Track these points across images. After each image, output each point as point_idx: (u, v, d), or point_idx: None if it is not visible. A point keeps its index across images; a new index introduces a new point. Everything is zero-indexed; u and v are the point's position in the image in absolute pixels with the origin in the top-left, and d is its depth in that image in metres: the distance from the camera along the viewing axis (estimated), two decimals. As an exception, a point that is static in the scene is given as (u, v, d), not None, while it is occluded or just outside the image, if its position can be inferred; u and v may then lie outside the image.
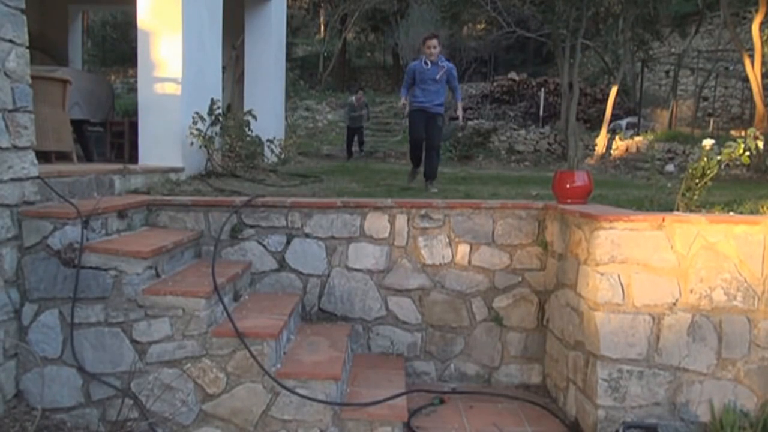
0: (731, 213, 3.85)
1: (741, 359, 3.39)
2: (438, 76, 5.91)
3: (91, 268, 3.25)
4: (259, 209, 4.21)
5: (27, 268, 3.27)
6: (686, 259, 3.35)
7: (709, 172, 3.79)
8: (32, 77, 3.52)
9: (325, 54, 21.39)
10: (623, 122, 14.76)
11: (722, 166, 3.85)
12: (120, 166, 4.67)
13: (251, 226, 4.21)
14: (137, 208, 4.02)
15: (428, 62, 5.94)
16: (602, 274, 3.35)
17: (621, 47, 14.87)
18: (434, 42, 5.95)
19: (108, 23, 21.87)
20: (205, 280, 3.46)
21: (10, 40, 3.30)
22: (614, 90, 13.55)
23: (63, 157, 5.09)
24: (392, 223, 4.22)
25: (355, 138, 14.53)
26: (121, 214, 3.80)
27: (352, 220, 4.21)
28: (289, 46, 15.23)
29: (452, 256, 4.22)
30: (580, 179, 4.16)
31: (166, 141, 5.36)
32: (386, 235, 4.22)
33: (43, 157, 4.18)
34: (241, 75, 9.02)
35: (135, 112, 5.64)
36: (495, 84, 19.01)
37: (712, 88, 15.55)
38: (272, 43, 8.46)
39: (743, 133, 4.01)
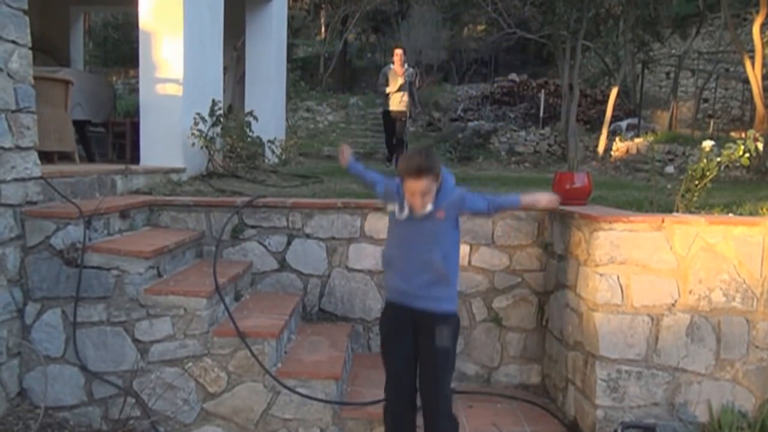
0: (730, 214, 3.86)
1: (739, 360, 3.40)
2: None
3: (93, 267, 3.27)
4: (260, 210, 4.23)
5: (30, 268, 3.29)
6: (685, 260, 3.37)
7: (708, 173, 3.81)
8: (34, 78, 3.55)
9: (326, 55, 21.40)
10: (623, 123, 14.74)
11: (722, 168, 3.87)
12: (122, 166, 4.69)
13: (252, 227, 4.23)
14: (139, 208, 4.04)
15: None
16: (601, 275, 3.37)
17: (621, 49, 14.87)
18: None
19: (109, 24, 21.88)
20: (207, 280, 3.48)
21: (13, 41, 3.32)
22: (614, 91, 13.53)
23: (65, 157, 5.11)
24: (393, 223, 4.23)
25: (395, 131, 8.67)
26: (123, 214, 3.82)
27: (352, 220, 4.23)
28: (290, 47, 15.20)
29: (452, 257, 4.23)
30: (580, 180, 4.17)
31: (167, 141, 5.37)
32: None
33: (45, 157, 4.20)
34: (242, 76, 9.03)
35: (136, 113, 5.66)
36: (495, 85, 19.00)
37: (713, 90, 15.54)
38: (273, 44, 8.48)
39: (743, 135, 4.02)
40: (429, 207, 2.66)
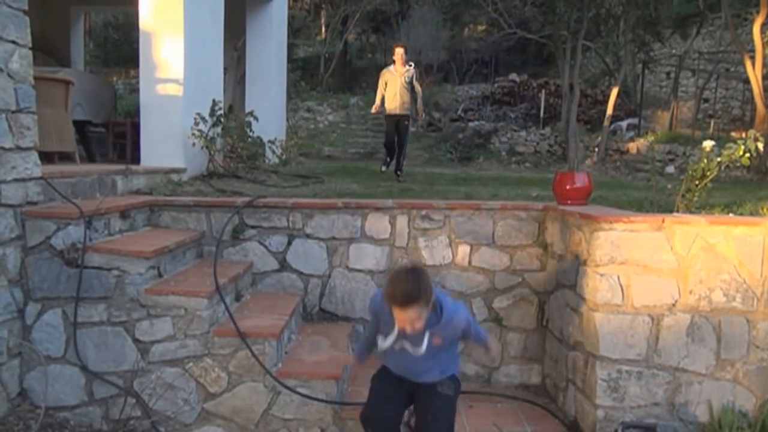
0: (731, 214, 3.86)
1: (740, 360, 3.40)
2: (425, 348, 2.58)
3: (93, 267, 3.27)
4: (261, 210, 4.23)
5: (30, 268, 3.29)
6: (686, 260, 3.36)
7: (709, 173, 3.81)
8: (35, 78, 3.55)
9: (326, 55, 21.40)
10: (624, 123, 14.76)
11: (722, 168, 3.87)
12: (122, 166, 4.69)
13: (253, 227, 4.23)
14: (139, 208, 4.04)
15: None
16: (602, 275, 3.36)
17: (622, 49, 14.86)
18: None
19: (110, 24, 21.88)
20: (207, 280, 3.48)
21: (13, 41, 3.32)
22: (615, 91, 13.53)
23: (66, 157, 5.11)
24: (393, 223, 4.24)
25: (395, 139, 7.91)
26: (124, 214, 3.82)
27: (353, 220, 4.23)
28: (291, 47, 15.17)
29: (452, 257, 4.24)
30: (580, 180, 4.17)
31: (167, 142, 5.37)
32: (387, 235, 4.23)
33: (46, 157, 4.20)
34: (242, 76, 9.04)
35: (137, 113, 5.66)
36: (496, 85, 19.02)
37: (713, 90, 15.54)
38: (273, 44, 8.48)
39: (743, 135, 4.03)
40: (424, 346, 2.51)
